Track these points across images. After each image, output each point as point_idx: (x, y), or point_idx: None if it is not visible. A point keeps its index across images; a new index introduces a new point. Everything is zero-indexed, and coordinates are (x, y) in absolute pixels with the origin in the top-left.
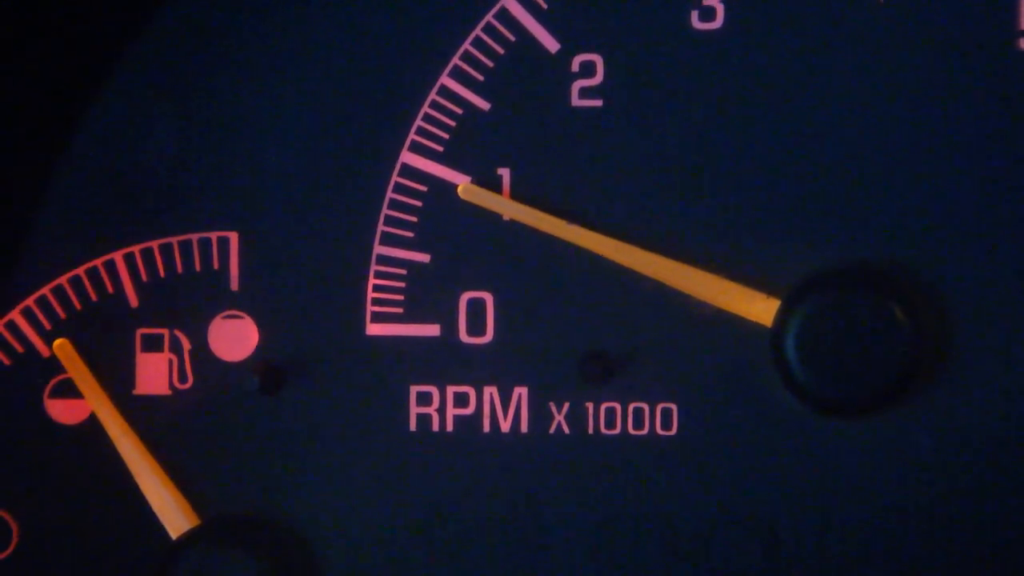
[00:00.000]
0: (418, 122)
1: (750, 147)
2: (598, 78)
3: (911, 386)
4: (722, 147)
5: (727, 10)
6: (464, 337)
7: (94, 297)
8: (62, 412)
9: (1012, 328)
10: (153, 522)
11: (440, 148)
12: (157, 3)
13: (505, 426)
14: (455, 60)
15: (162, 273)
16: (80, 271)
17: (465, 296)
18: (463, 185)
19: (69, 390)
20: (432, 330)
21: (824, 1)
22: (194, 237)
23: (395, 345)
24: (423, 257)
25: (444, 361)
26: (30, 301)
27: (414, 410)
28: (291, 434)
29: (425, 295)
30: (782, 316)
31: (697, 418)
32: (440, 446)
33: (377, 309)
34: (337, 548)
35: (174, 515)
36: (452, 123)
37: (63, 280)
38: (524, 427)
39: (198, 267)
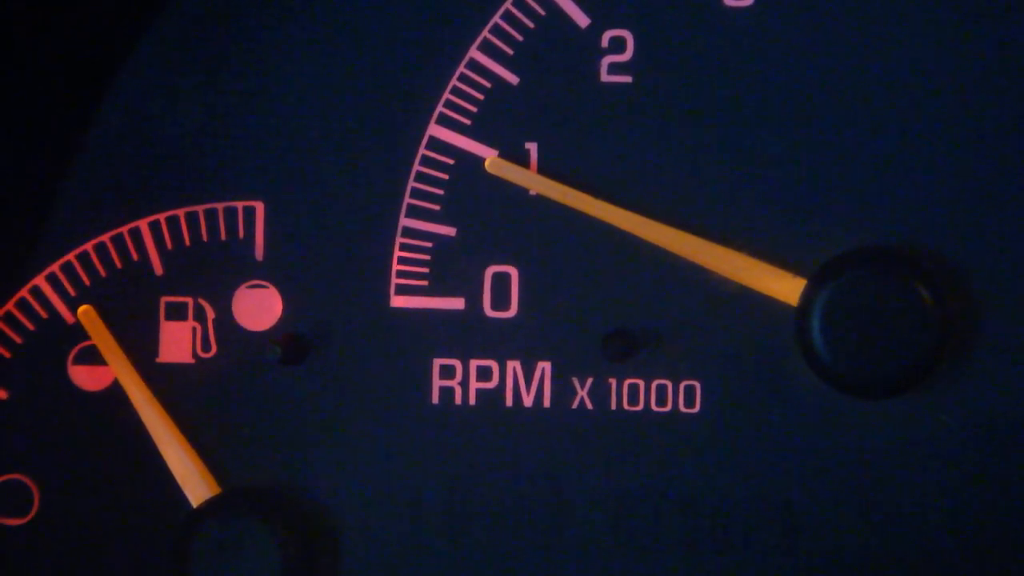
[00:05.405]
0: (446, 95)
1: (779, 126)
2: (628, 54)
3: (936, 369)
4: (751, 125)
5: None
6: (488, 311)
7: (119, 264)
8: (85, 378)
9: None
10: (174, 490)
11: (468, 121)
12: None
13: (528, 400)
14: (485, 33)
15: (187, 241)
16: (106, 238)
17: (490, 270)
18: (490, 159)
19: (93, 357)
20: (456, 303)
21: None
22: (220, 206)
23: (419, 318)
24: (449, 230)
25: (468, 335)
26: (55, 267)
27: (437, 383)
28: (313, 405)
29: (450, 268)
30: (808, 295)
31: (720, 396)
32: (462, 419)
33: (402, 282)
34: (357, 520)
35: (195, 483)
36: (480, 96)
37: (88, 246)
38: (547, 402)
39: (223, 236)
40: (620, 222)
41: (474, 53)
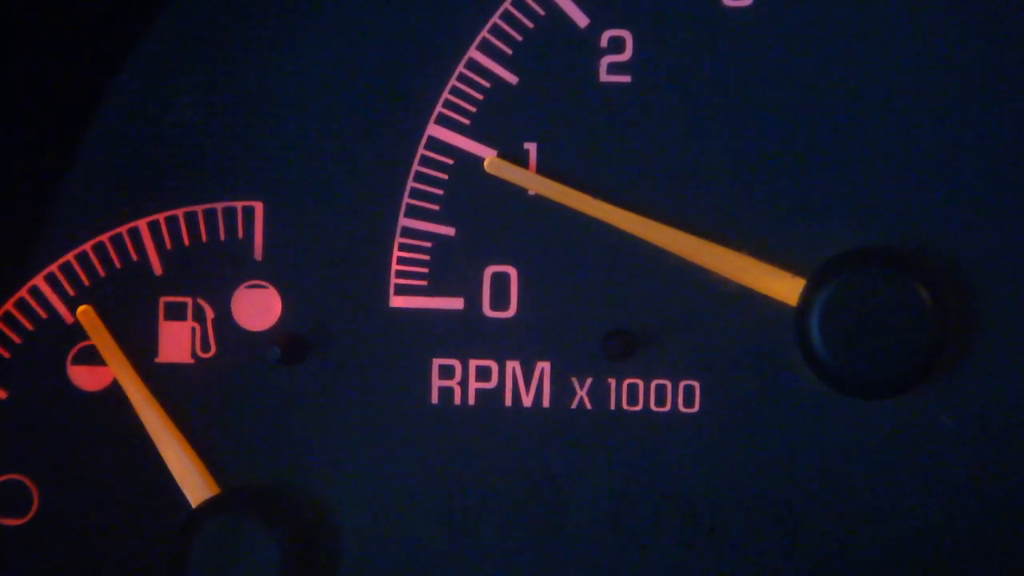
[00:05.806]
0: (445, 95)
1: (778, 126)
2: (627, 54)
3: (935, 368)
4: (750, 125)
5: None
6: (487, 311)
7: (118, 264)
8: (85, 378)
9: None
10: (173, 490)
11: (467, 121)
12: None
13: (527, 400)
14: (484, 33)
15: (186, 241)
16: (104, 238)
17: (489, 270)
18: (489, 159)
19: (92, 357)
20: (456, 303)
21: None
22: (219, 206)
23: (418, 318)
24: (448, 230)
25: (467, 335)
26: (54, 267)
27: (436, 383)
28: (312, 405)
29: (449, 268)
30: (807, 295)
31: (719, 396)
32: (462, 420)
33: (401, 282)
34: (356, 520)
35: (194, 483)
36: (480, 96)
37: (87, 247)
38: (546, 402)
39: (223, 236)
40: (619, 222)
41: (473, 53)
